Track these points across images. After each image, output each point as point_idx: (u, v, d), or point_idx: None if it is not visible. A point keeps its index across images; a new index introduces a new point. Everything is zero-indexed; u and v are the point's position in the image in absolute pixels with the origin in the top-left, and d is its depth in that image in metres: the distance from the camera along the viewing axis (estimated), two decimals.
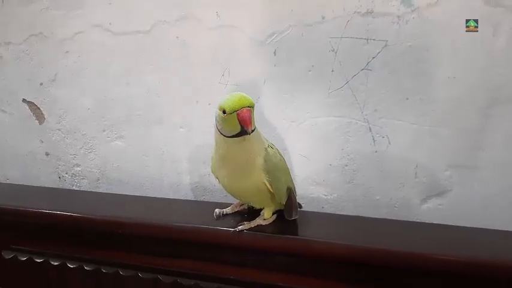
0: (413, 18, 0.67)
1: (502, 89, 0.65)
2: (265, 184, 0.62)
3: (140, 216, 0.74)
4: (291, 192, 0.66)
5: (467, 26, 0.66)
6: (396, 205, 0.74)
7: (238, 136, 0.59)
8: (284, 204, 0.65)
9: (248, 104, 0.58)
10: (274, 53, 0.76)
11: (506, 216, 0.68)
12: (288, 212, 0.66)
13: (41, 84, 0.94)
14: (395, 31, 0.68)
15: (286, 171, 0.66)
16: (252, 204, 0.68)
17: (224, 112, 0.58)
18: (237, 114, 0.57)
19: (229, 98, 0.59)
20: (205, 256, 0.70)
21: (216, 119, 0.61)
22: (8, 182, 1.03)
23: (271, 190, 0.62)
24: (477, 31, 0.66)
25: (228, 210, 0.71)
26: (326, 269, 0.64)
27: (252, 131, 0.60)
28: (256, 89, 0.77)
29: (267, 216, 0.66)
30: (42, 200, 0.85)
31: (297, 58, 0.74)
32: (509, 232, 0.64)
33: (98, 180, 0.95)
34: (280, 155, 0.66)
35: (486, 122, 0.67)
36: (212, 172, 0.68)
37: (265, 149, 0.63)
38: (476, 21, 0.66)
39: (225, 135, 0.60)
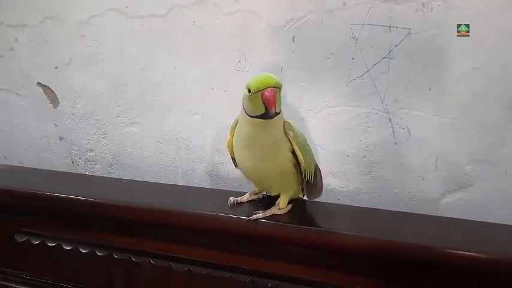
0: (438, 5, 0.65)
1: None
2: (291, 163, 0.61)
3: (153, 202, 0.73)
4: (317, 170, 0.65)
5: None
6: (415, 199, 0.73)
7: (262, 118, 0.58)
8: (311, 182, 0.64)
9: (273, 84, 0.56)
10: (293, 39, 0.74)
11: None
12: (311, 192, 0.65)
13: (56, 67, 0.93)
14: (419, 19, 0.66)
15: (311, 149, 0.65)
16: (270, 190, 0.67)
17: (249, 91, 0.57)
18: (261, 94, 0.56)
19: (255, 76, 0.57)
20: (218, 245, 0.70)
21: (243, 98, 0.60)
22: (21, 165, 1.04)
23: (303, 163, 0.61)
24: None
25: (242, 198, 0.70)
26: (341, 261, 0.63)
27: (278, 113, 0.59)
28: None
29: (282, 206, 0.65)
30: (55, 184, 0.85)
31: (315, 45, 0.73)
32: None
33: (111, 165, 0.95)
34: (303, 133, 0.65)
35: (510, 116, 0.65)
36: (230, 153, 0.67)
37: (292, 124, 0.62)
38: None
39: (250, 115, 0.59)
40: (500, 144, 0.66)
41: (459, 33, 0.65)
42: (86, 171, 0.98)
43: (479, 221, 0.64)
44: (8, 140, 1.03)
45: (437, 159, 0.70)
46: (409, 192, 0.72)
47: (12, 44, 0.96)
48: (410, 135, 0.70)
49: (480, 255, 0.55)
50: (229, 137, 0.66)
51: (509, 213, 0.67)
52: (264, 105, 0.56)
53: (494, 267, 0.55)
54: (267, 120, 0.58)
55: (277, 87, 0.57)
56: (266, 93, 0.56)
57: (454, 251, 0.56)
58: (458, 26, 0.65)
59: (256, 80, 0.57)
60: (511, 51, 0.63)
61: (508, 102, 0.64)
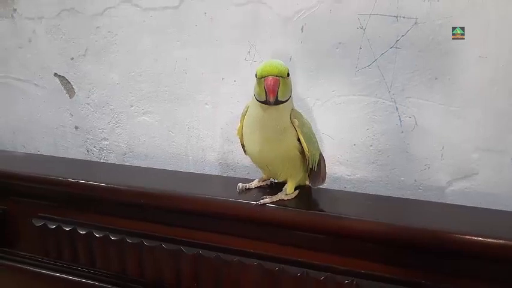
0: None
1: None
2: (297, 150, 0.63)
3: (164, 187, 0.75)
4: (321, 158, 0.67)
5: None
6: (421, 187, 0.73)
7: (265, 103, 0.60)
8: (314, 169, 0.65)
9: (276, 73, 0.58)
10: (302, 29, 0.75)
11: None
12: (315, 180, 0.67)
13: (72, 58, 0.96)
14: (426, 9, 0.67)
15: (316, 137, 0.66)
16: (277, 176, 0.69)
17: (256, 75, 0.59)
18: (264, 81, 0.58)
19: (264, 62, 0.59)
20: (227, 229, 0.71)
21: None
22: (38, 153, 1.07)
23: (307, 152, 0.62)
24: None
25: (251, 184, 0.71)
26: (346, 246, 0.64)
27: (284, 101, 0.60)
28: None
29: (289, 191, 0.67)
30: (71, 171, 0.88)
31: (324, 35, 0.74)
32: None
33: (125, 154, 0.97)
34: (308, 121, 0.66)
35: None
36: (240, 140, 0.69)
37: (298, 113, 0.64)
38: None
39: (257, 99, 0.61)
40: (506, 133, 0.67)
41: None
42: (100, 159, 1.00)
43: (485, 208, 0.65)
44: (26, 129, 1.07)
45: (443, 148, 0.71)
46: (415, 180, 0.73)
47: (30, 36, 0.99)
48: (416, 124, 0.71)
49: (485, 239, 0.56)
50: (239, 124, 0.68)
51: None
52: (265, 92, 0.58)
53: (499, 251, 0.55)
54: (277, 107, 0.60)
55: (281, 76, 0.58)
56: (267, 81, 0.57)
57: (459, 236, 0.57)
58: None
59: (262, 66, 0.59)
60: None
61: None
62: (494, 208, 0.65)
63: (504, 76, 0.65)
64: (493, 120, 0.67)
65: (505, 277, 0.57)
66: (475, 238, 0.56)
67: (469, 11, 0.65)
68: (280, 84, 0.58)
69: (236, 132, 0.69)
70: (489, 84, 0.66)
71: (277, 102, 0.59)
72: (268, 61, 0.59)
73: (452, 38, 0.66)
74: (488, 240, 0.55)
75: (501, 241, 0.55)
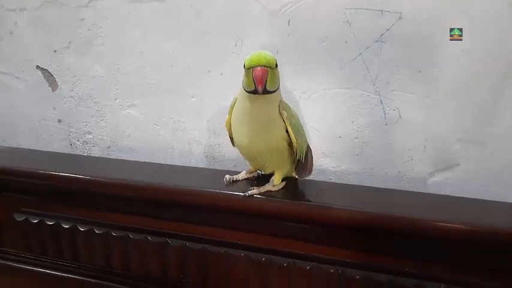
0: None
1: None
2: (286, 141, 0.64)
3: (150, 180, 0.75)
4: (309, 150, 0.68)
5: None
6: (404, 178, 0.75)
7: (253, 93, 0.60)
8: (302, 161, 0.66)
9: (264, 63, 0.59)
10: (288, 23, 0.76)
11: None
12: (302, 171, 0.68)
13: (55, 51, 0.94)
14: (410, 3, 0.68)
15: (303, 129, 0.67)
16: (264, 167, 0.69)
17: (244, 66, 0.60)
18: (252, 71, 0.58)
19: (252, 53, 0.60)
20: (214, 221, 0.72)
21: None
22: (20, 147, 1.05)
23: (295, 143, 0.63)
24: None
25: (238, 176, 0.72)
26: (331, 235, 0.65)
27: (273, 91, 0.61)
28: None
29: (276, 183, 0.68)
30: (54, 164, 0.86)
31: (310, 29, 0.75)
32: None
33: (109, 147, 0.96)
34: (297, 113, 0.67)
35: (497, 97, 0.67)
36: (228, 132, 0.69)
37: (286, 105, 0.64)
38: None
39: (246, 90, 0.61)
40: (487, 125, 0.69)
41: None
42: (84, 153, 0.99)
43: (465, 197, 0.67)
44: (6, 122, 1.04)
45: (426, 140, 0.72)
46: (398, 171, 0.75)
47: (11, 28, 0.97)
48: (400, 116, 0.73)
49: (463, 226, 0.58)
50: (227, 116, 0.68)
51: (494, 191, 0.69)
52: (253, 82, 0.59)
53: (476, 237, 0.57)
54: (262, 96, 0.60)
55: (269, 67, 0.59)
56: (255, 71, 0.58)
57: (439, 223, 0.59)
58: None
59: (250, 57, 0.59)
60: (497, 35, 0.66)
61: (495, 84, 0.67)
62: (474, 197, 0.67)
63: (485, 70, 0.67)
64: (473, 113, 0.69)
65: (486, 263, 0.59)
66: (454, 226, 0.58)
67: (452, 6, 0.66)
68: (269, 75, 0.59)
69: (224, 124, 0.69)
70: (471, 78, 0.68)
71: (266, 92, 0.60)
72: (256, 52, 0.60)
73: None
74: (466, 227, 0.58)
75: (479, 228, 0.57)
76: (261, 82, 0.58)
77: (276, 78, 0.61)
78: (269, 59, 0.59)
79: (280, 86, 0.64)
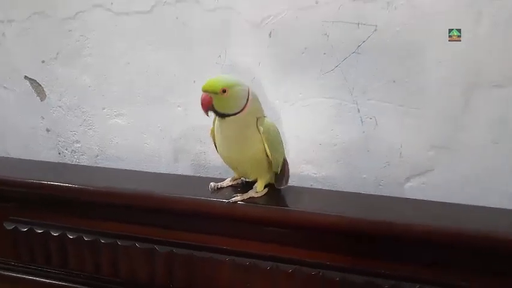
0: (401, 4, 0.71)
1: (482, 75, 0.69)
2: (264, 154, 0.67)
3: (137, 187, 0.77)
4: (285, 163, 0.71)
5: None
6: (381, 183, 0.78)
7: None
8: (278, 172, 0.70)
9: (207, 89, 0.63)
10: (270, 35, 0.79)
11: (485, 194, 0.72)
12: (280, 181, 0.71)
13: (43, 61, 0.96)
14: (385, 16, 0.72)
15: (281, 143, 0.70)
16: (246, 175, 0.72)
17: None
18: None
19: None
20: (199, 227, 0.74)
21: None
22: (8, 156, 1.06)
23: (271, 159, 0.67)
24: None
25: (222, 184, 0.74)
26: (313, 239, 0.68)
27: (233, 114, 0.64)
28: (251, 69, 0.81)
29: (259, 189, 0.70)
30: (43, 172, 0.88)
31: (291, 41, 0.78)
32: (489, 208, 0.68)
33: (97, 156, 0.98)
34: (276, 128, 0.69)
35: (467, 105, 0.71)
36: (212, 140, 0.72)
37: (265, 120, 0.67)
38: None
39: None
40: (458, 132, 0.72)
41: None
42: (72, 161, 1.01)
43: (439, 201, 0.70)
44: None
45: (401, 146, 0.76)
46: (376, 177, 0.78)
47: None
48: (377, 124, 0.76)
49: (436, 229, 0.61)
50: (212, 125, 0.71)
51: (467, 195, 0.73)
52: None
53: (448, 239, 0.61)
54: (231, 117, 0.64)
55: (212, 92, 0.62)
56: (201, 98, 0.63)
57: (415, 226, 0.62)
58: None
59: (204, 83, 0.64)
60: (464, 45, 0.69)
61: (465, 92, 0.70)
62: (447, 202, 0.70)
63: (455, 80, 0.71)
64: (446, 120, 0.72)
65: (457, 263, 0.62)
66: (427, 228, 0.61)
67: (424, 19, 0.70)
68: (214, 100, 0.63)
69: (209, 133, 0.72)
70: (442, 87, 0.71)
71: (222, 115, 0.64)
72: (212, 78, 0.64)
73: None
74: (439, 230, 0.61)
75: (450, 230, 0.60)
76: (204, 107, 0.63)
77: (227, 102, 0.63)
78: (214, 85, 0.63)
79: (255, 107, 0.66)
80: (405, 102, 0.74)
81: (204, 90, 0.63)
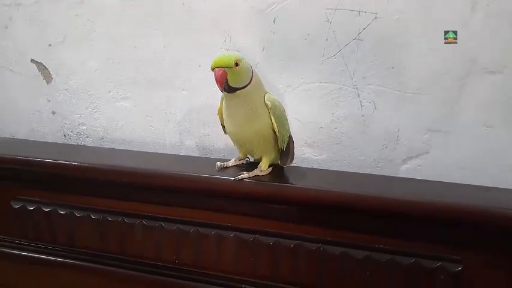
0: None
1: (475, 61, 0.73)
2: (271, 129, 0.70)
3: (145, 166, 0.80)
4: (290, 140, 0.74)
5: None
6: (379, 165, 0.82)
7: (223, 92, 0.67)
8: (284, 150, 0.73)
9: (221, 64, 0.65)
10: (274, 21, 0.82)
11: (478, 176, 0.76)
12: (285, 159, 0.74)
13: (50, 45, 0.98)
14: (385, 5, 0.75)
15: (287, 120, 0.74)
16: (253, 153, 0.75)
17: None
18: (214, 73, 0.66)
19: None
20: (205, 205, 0.77)
21: None
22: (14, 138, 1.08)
23: (278, 133, 0.70)
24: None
25: (228, 163, 0.77)
26: (315, 215, 0.71)
27: (241, 87, 0.67)
28: (256, 55, 0.84)
29: (264, 168, 0.74)
30: (49, 152, 0.89)
31: (294, 27, 0.81)
32: (480, 186, 0.71)
33: (102, 138, 1.01)
34: (282, 104, 0.73)
35: (461, 90, 0.75)
36: (219, 120, 0.75)
37: (271, 96, 0.70)
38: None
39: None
40: (453, 116, 0.76)
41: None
42: (77, 144, 1.03)
43: (435, 181, 0.74)
44: (1, 114, 1.07)
45: (398, 130, 0.79)
46: (374, 159, 0.82)
47: (6, 22, 1.00)
48: (375, 108, 0.80)
49: (431, 205, 0.65)
50: (219, 104, 0.74)
51: (461, 176, 0.76)
52: None
53: (441, 214, 0.64)
54: (238, 93, 0.67)
55: (227, 67, 0.65)
56: (214, 74, 0.66)
57: (409, 202, 0.66)
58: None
59: (213, 60, 0.66)
60: (461, 35, 0.73)
61: (460, 78, 0.74)
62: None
63: (449, 66, 0.74)
64: (441, 105, 0.76)
65: (450, 238, 0.66)
66: (422, 204, 0.65)
67: (421, 9, 0.73)
68: (228, 74, 0.65)
69: (216, 112, 0.75)
70: (438, 73, 0.75)
71: (232, 89, 0.66)
72: (218, 55, 0.67)
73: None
74: (433, 206, 0.65)
75: (444, 206, 0.64)
76: (219, 83, 0.65)
77: (239, 76, 0.67)
78: (226, 60, 0.65)
79: (258, 81, 0.70)
80: (402, 87, 0.77)
81: (218, 66, 0.65)
